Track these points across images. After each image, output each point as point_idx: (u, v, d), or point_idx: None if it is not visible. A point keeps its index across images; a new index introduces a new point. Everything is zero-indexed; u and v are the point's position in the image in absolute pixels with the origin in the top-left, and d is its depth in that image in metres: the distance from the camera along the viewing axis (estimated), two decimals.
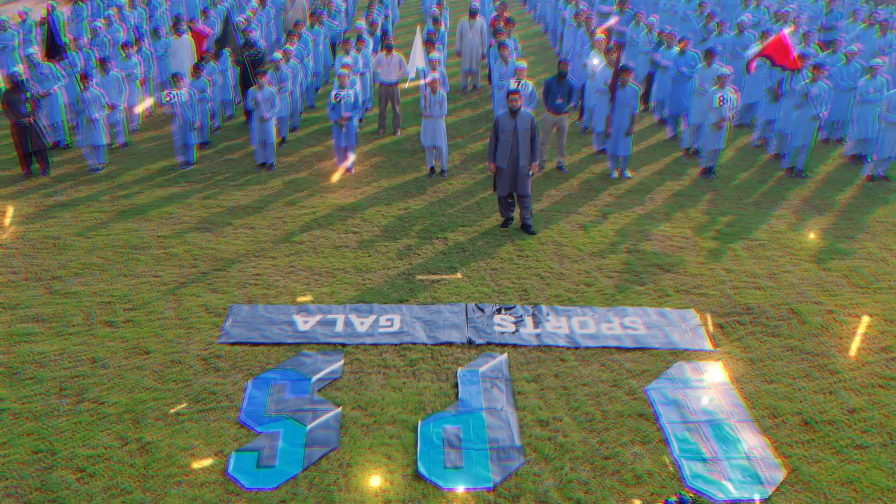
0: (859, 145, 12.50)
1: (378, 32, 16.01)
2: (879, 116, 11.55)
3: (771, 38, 11.29)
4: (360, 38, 13.80)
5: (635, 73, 15.25)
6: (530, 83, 11.41)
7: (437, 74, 11.42)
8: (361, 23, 14.32)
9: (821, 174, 12.11)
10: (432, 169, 11.75)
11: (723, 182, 11.70)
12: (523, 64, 11.42)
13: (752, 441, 6.36)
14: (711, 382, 7.11)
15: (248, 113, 12.02)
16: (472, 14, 15.43)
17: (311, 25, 15.18)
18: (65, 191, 11.20)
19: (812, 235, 9.99)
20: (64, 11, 16.99)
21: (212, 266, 9.09)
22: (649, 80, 14.51)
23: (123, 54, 13.25)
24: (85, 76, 11.52)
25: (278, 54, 12.72)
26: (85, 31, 17.37)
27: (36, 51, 12.73)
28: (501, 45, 12.53)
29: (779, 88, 12.30)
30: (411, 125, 13.85)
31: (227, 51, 13.57)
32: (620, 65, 11.19)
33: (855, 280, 8.92)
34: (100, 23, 14.87)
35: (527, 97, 11.29)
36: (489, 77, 15.69)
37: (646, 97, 14.69)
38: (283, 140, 13.03)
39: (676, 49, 13.15)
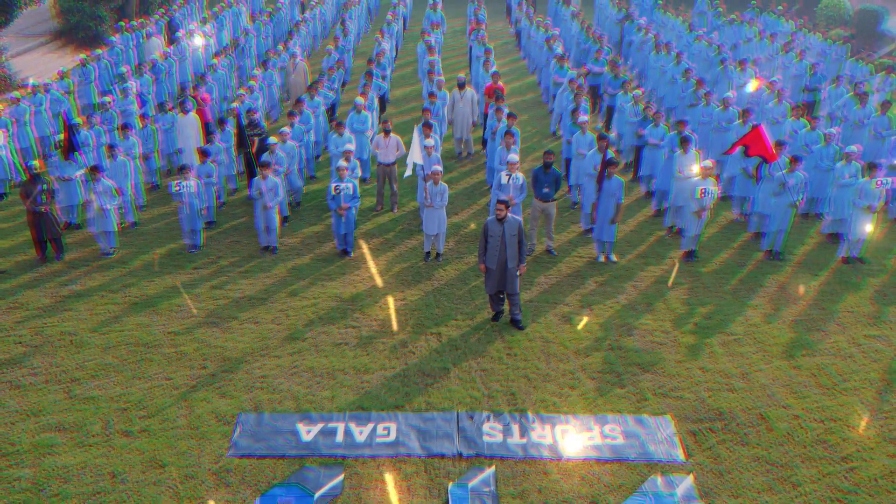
0: (836, 224, 13.10)
1: (376, 101, 16.69)
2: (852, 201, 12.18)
3: (749, 132, 11.87)
4: (358, 112, 14.62)
5: (623, 141, 16.01)
6: (521, 175, 12.01)
7: (439, 168, 12.00)
8: (361, 100, 14.94)
9: (798, 255, 12.72)
10: (428, 253, 12.36)
11: (704, 265, 12.29)
12: (515, 158, 12.02)
13: None
14: (681, 497, 7.71)
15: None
16: (461, 86, 16.11)
17: (311, 97, 15.80)
18: (79, 279, 11.82)
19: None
20: (73, 78, 17.61)
21: (220, 366, 9.70)
22: (637, 151, 15.10)
23: (122, 136, 13.85)
24: (96, 169, 12.13)
25: (274, 139, 13.32)
26: (93, 93, 18.04)
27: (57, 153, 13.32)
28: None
29: (758, 172, 12.91)
30: (408, 199, 14.48)
31: (231, 131, 14.20)
32: (607, 158, 11.78)
33: (822, 380, 9.53)
34: (108, 98, 15.47)
35: (518, 188, 11.91)
36: (483, 142, 16.37)
37: (635, 167, 15.33)
38: (286, 218, 13.62)
39: (665, 129, 13.74)
